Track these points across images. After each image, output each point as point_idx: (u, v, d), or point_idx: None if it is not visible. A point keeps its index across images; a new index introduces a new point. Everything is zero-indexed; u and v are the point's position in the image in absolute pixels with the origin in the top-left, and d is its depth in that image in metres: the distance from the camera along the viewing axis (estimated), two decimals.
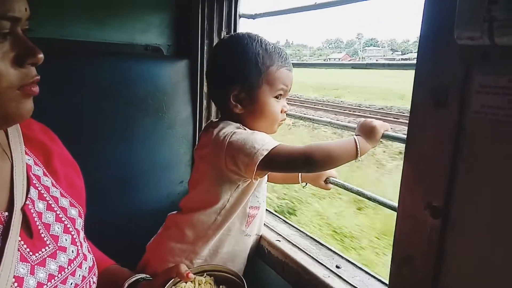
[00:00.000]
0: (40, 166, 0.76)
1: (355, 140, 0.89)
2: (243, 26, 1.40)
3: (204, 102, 1.41)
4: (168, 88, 1.35)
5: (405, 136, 0.81)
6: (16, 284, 0.59)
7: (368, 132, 0.90)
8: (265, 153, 0.89)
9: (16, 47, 0.57)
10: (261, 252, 1.06)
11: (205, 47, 1.37)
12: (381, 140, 0.91)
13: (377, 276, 0.88)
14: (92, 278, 0.77)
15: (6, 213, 0.63)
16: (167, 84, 1.35)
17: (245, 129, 0.99)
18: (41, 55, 0.59)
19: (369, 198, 0.94)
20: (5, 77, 0.56)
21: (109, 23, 1.29)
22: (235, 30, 1.38)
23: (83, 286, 0.74)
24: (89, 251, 0.80)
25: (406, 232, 0.67)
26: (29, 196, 0.68)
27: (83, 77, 1.18)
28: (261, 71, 0.96)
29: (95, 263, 0.81)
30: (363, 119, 0.95)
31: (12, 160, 0.69)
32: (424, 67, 0.61)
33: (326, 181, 1.03)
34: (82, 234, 0.78)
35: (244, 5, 1.38)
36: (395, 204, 0.77)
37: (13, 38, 0.57)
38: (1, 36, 0.55)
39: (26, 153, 0.72)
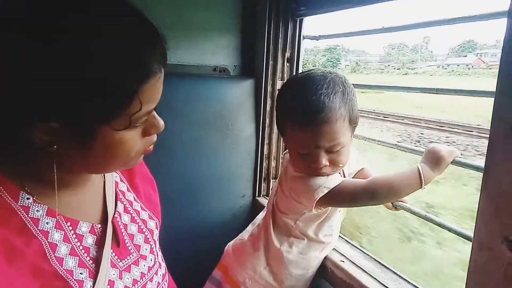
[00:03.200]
0: (124, 183, 0.85)
1: (418, 170, 0.88)
2: (306, 46, 1.44)
3: (267, 120, 1.47)
4: (233, 107, 1.42)
5: (475, 163, 0.81)
6: (109, 287, 0.68)
7: (434, 161, 0.88)
8: (326, 191, 0.92)
9: (146, 122, 0.64)
10: (325, 271, 1.08)
11: (270, 68, 1.42)
12: None
13: None
14: (164, 284, 0.86)
15: (99, 225, 0.72)
16: (233, 102, 1.42)
17: None
18: (162, 125, 0.67)
19: (440, 225, 0.93)
20: (136, 148, 0.64)
21: (182, 46, 1.40)
22: (298, 51, 1.42)
23: None
24: (162, 260, 0.88)
25: (481, 264, 0.67)
26: (116, 209, 0.77)
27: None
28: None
29: (167, 271, 0.89)
30: (431, 145, 0.94)
31: (104, 178, 0.79)
32: (503, 101, 0.62)
33: (394, 204, 1.03)
34: (157, 244, 0.87)
35: (307, 26, 1.43)
36: (470, 233, 0.76)
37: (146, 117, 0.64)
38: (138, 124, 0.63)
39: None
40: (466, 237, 0.82)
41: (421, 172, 0.87)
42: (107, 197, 0.77)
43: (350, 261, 1.05)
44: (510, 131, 0.60)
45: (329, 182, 0.93)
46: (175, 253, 1.01)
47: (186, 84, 1.36)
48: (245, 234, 1.20)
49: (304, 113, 0.90)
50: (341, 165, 0.94)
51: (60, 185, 0.66)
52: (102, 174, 0.79)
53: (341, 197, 0.94)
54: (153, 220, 0.87)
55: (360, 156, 1.16)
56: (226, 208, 1.47)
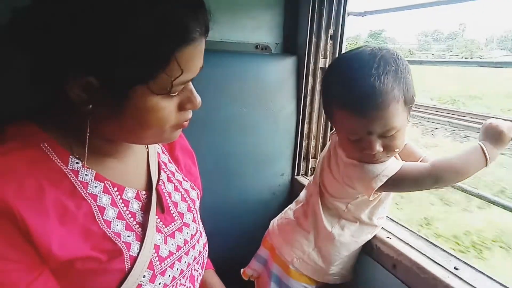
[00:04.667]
0: (166, 154, 0.88)
1: (482, 148, 0.84)
2: (351, 24, 1.41)
3: (308, 98, 1.45)
4: (275, 84, 1.41)
5: None
6: (154, 251, 0.70)
7: (495, 136, 0.85)
8: (385, 179, 0.88)
9: (182, 95, 0.64)
10: (369, 248, 1.07)
11: (312, 45, 1.40)
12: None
13: (502, 283, 0.84)
14: (205, 253, 0.88)
15: (144, 192, 0.74)
16: (274, 80, 1.41)
17: None
18: (199, 102, 0.66)
19: (492, 202, 0.90)
20: (170, 120, 0.64)
21: (224, 22, 1.38)
22: (342, 28, 1.39)
23: (199, 260, 0.84)
24: (203, 230, 0.90)
25: None
26: (161, 178, 0.79)
27: (199, 74, 1.29)
28: None
29: (207, 240, 0.90)
30: (488, 121, 0.89)
31: (148, 148, 0.81)
32: None
33: None
34: (199, 214, 0.88)
35: (352, 2, 1.39)
36: None
37: (183, 90, 0.64)
38: (176, 93, 0.63)
39: None
40: None
41: (485, 150, 0.84)
42: (151, 166, 0.78)
43: (398, 238, 1.03)
44: None
45: (388, 169, 0.88)
46: (216, 230, 1.02)
47: (227, 60, 1.35)
48: (289, 213, 1.18)
49: (353, 99, 0.84)
50: (396, 150, 0.88)
51: (104, 152, 0.68)
52: (146, 145, 0.80)
53: (403, 183, 0.90)
54: (195, 190, 0.89)
55: None
56: (265, 186, 1.47)
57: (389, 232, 1.06)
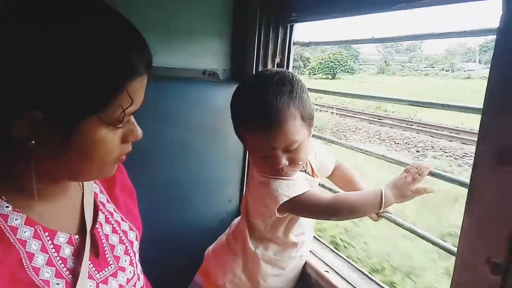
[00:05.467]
0: (104, 194, 0.85)
1: (381, 195, 0.91)
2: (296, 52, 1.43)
3: None
4: (222, 111, 1.40)
5: (461, 179, 0.81)
6: None
7: (401, 193, 0.91)
8: (286, 199, 0.94)
9: (125, 127, 0.65)
10: (309, 280, 1.08)
11: None
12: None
13: None
14: None
15: (77, 237, 0.71)
16: (221, 106, 1.40)
17: None
18: (141, 133, 0.68)
19: (423, 237, 0.93)
20: (114, 153, 0.65)
21: (172, 49, 1.38)
22: (288, 56, 1.42)
23: None
24: (141, 272, 0.87)
25: (463, 283, 0.67)
26: (98, 220, 0.77)
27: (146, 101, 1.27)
28: None
29: (145, 283, 0.88)
30: (405, 176, 0.92)
31: (83, 189, 0.78)
32: (489, 124, 0.62)
33: (378, 214, 1.03)
34: (137, 256, 0.86)
35: (297, 32, 1.42)
36: (454, 248, 0.77)
37: (126, 122, 0.65)
38: (122, 124, 0.63)
39: (94, 181, 0.81)
40: (450, 252, 0.82)
41: (383, 200, 0.90)
42: (85, 208, 0.76)
43: (334, 271, 1.05)
44: (493, 151, 0.61)
45: (290, 190, 0.95)
46: (160, 258, 1.00)
47: (174, 87, 1.34)
48: (223, 237, 1.21)
49: (253, 118, 0.92)
50: (300, 163, 0.96)
51: (38, 195, 0.65)
52: (81, 186, 0.78)
53: (302, 208, 0.97)
54: (133, 231, 0.86)
55: (328, 151, 1.18)
56: (213, 212, 1.46)
57: (327, 265, 1.08)
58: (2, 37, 0.53)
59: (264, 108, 0.90)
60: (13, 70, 0.53)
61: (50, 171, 0.63)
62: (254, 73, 1.00)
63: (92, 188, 0.80)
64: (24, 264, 0.61)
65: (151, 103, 1.25)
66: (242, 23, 1.45)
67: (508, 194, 0.59)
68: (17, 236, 0.61)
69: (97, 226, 0.75)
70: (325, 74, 36.00)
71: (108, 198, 0.85)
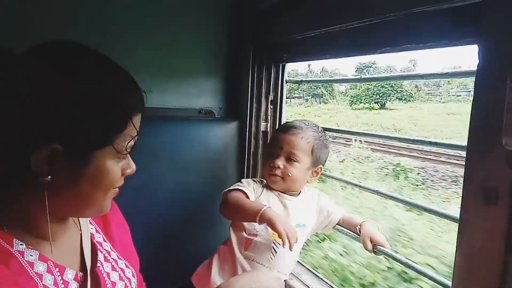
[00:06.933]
0: (100, 233, 0.88)
1: (263, 210, 1.05)
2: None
3: (251, 161, 1.49)
4: (218, 148, 1.44)
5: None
6: None
7: (278, 218, 1.05)
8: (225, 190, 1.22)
9: (123, 161, 0.71)
10: None
11: (254, 110, 1.46)
12: None
13: None
14: None
15: (81, 274, 0.74)
16: (217, 144, 1.44)
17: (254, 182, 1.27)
18: (135, 168, 0.74)
19: (420, 272, 0.94)
20: (117, 182, 0.70)
21: (168, 90, 1.42)
22: (281, 94, 1.47)
23: None
24: None
25: None
26: (98, 259, 0.79)
27: (141, 141, 1.29)
28: None
29: None
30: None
31: (81, 230, 0.81)
32: (473, 167, 0.65)
33: (374, 248, 1.05)
34: None
35: (288, 70, 1.48)
36: (449, 283, 0.78)
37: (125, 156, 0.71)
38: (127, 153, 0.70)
39: (90, 222, 0.84)
40: (446, 286, 0.84)
41: (263, 213, 1.05)
42: (84, 248, 0.79)
43: None
44: (479, 192, 0.63)
45: (237, 184, 1.22)
46: None
47: (170, 127, 1.37)
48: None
49: (283, 126, 1.24)
50: (290, 175, 1.16)
51: (42, 234, 0.69)
52: (79, 227, 0.81)
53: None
54: (129, 268, 0.89)
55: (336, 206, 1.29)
56: (208, 251, 1.45)
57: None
58: (36, 82, 0.60)
59: (294, 124, 1.20)
60: (40, 106, 0.59)
61: (59, 208, 0.68)
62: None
63: (88, 228, 0.83)
64: None
65: (148, 142, 1.30)
66: (236, 63, 1.51)
67: (495, 233, 0.61)
68: (34, 270, 0.65)
69: (98, 265, 0.78)
70: (367, 103, 27.02)
71: (104, 237, 0.88)
